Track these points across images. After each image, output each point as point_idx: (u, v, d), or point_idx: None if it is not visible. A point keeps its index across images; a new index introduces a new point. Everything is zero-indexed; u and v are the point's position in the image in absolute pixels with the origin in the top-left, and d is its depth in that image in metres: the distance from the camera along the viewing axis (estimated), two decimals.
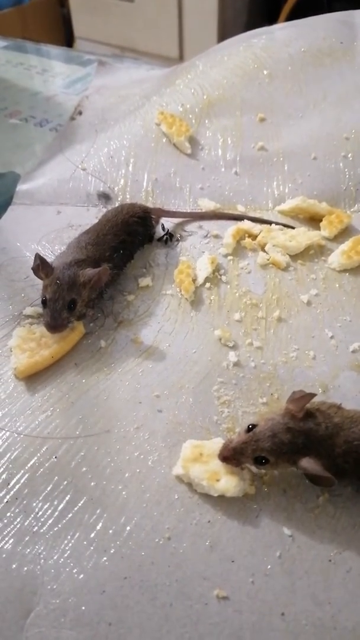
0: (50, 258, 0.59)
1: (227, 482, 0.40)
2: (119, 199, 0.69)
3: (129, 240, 0.59)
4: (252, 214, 0.67)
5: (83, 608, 0.35)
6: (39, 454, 0.43)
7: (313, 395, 0.39)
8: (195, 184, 0.70)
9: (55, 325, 0.50)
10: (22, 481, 0.41)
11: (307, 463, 0.38)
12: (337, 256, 0.60)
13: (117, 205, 0.66)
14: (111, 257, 0.56)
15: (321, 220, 0.65)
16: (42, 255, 0.51)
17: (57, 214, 0.68)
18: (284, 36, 0.81)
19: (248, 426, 0.40)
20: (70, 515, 0.39)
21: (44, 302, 0.50)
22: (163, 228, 0.65)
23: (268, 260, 0.60)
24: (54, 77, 1.02)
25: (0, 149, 0.81)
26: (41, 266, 0.51)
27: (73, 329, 0.51)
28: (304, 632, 0.34)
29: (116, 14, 1.96)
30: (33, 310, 0.54)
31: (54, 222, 0.66)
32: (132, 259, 0.61)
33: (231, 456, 0.40)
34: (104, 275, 0.52)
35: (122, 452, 0.43)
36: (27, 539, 0.38)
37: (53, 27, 2.17)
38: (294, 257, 0.61)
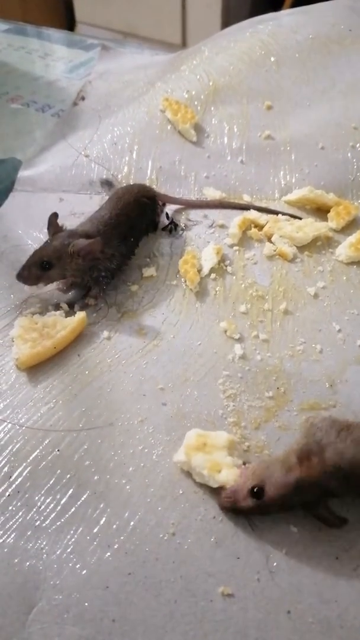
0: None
1: (228, 475, 0.39)
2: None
3: (137, 224, 0.59)
4: (258, 204, 0.66)
5: (86, 604, 0.35)
6: (41, 447, 0.42)
7: (324, 456, 0.37)
8: (201, 172, 0.69)
9: (19, 274, 0.52)
10: (24, 474, 0.41)
11: (321, 515, 0.37)
12: (345, 248, 0.59)
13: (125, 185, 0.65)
14: (119, 244, 0.55)
15: (328, 211, 0.64)
16: (57, 215, 0.55)
17: (60, 201, 0.67)
18: (291, 22, 0.79)
19: (253, 489, 0.37)
20: (73, 510, 0.39)
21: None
22: (167, 217, 0.64)
23: (274, 251, 0.60)
24: (56, 62, 1.00)
25: (1, 134, 0.80)
26: (48, 224, 0.54)
27: (76, 319, 0.51)
28: (310, 630, 0.34)
29: None
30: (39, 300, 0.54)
31: (56, 210, 0.64)
32: (138, 246, 0.60)
33: (231, 512, 0.38)
34: (95, 247, 0.52)
35: (126, 446, 0.43)
36: (29, 533, 0.38)
37: (54, 11, 2.14)
38: (301, 248, 0.60)
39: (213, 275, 0.57)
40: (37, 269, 0.51)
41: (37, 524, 0.38)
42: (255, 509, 0.37)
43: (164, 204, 0.65)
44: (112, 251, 0.54)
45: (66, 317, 0.52)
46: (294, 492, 0.36)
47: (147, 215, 0.61)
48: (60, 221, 0.55)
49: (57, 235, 0.53)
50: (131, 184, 0.65)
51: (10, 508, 0.39)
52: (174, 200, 0.65)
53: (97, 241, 0.52)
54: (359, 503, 0.39)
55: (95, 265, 0.53)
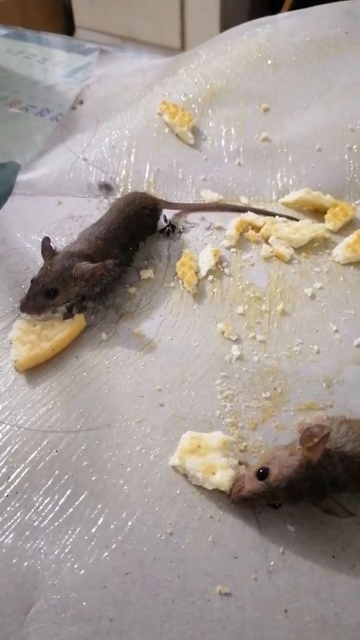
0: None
1: (223, 476, 0.39)
2: (121, 189, 0.68)
3: (138, 234, 0.59)
4: (255, 206, 0.66)
5: (84, 604, 0.35)
6: (39, 448, 0.43)
7: (328, 435, 0.36)
8: (198, 175, 0.69)
9: (24, 305, 0.50)
10: (22, 475, 0.41)
11: (328, 505, 0.37)
12: (342, 249, 0.59)
13: (126, 194, 0.64)
14: (119, 254, 0.55)
15: (325, 213, 0.64)
16: (49, 239, 0.53)
17: (58, 204, 0.67)
18: (288, 26, 0.80)
19: (259, 470, 0.37)
20: (71, 510, 0.39)
21: (31, 281, 0.51)
22: (165, 220, 0.64)
23: (272, 252, 0.60)
24: (55, 66, 1.00)
25: (0, 138, 0.80)
26: (42, 249, 0.53)
27: (74, 321, 0.51)
28: (307, 629, 0.34)
29: (117, 2, 1.94)
30: None
31: (54, 213, 0.65)
32: (135, 254, 0.60)
33: (243, 504, 0.38)
34: (98, 271, 0.51)
35: (124, 447, 0.43)
36: (27, 533, 0.38)
37: (53, 16, 2.15)
38: (298, 249, 0.61)
39: (210, 277, 0.57)
40: (42, 297, 0.50)
41: (35, 524, 0.38)
42: (262, 492, 0.37)
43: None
44: (112, 262, 0.54)
45: (64, 319, 0.52)
46: (299, 475, 0.36)
47: (149, 225, 0.61)
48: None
49: (54, 259, 0.52)
50: (132, 193, 0.64)
51: (8, 509, 0.39)
52: (173, 206, 0.66)
53: (100, 266, 0.51)
54: (355, 501, 0.39)
55: (98, 280, 0.52)
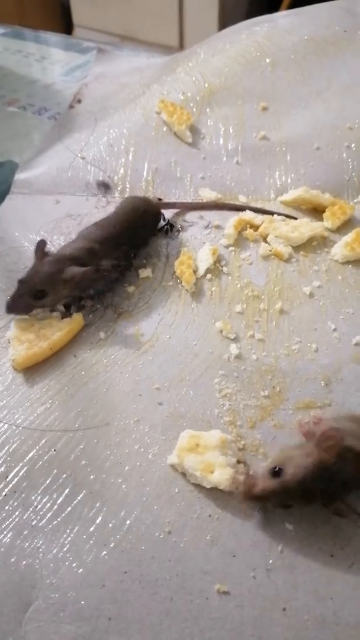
0: (48, 247, 0.59)
1: (221, 475, 0.39)
2: (119, 188, 0.68)
3: (140, 241, 0.59)
4: (253, 205, 0.66)
5: (82, 602, 0.35)
6: (37, 447, 0.42)
7: (343, 438, 0.36)
8: (196, 173, 0.69)
9: (9, 306, 0.50)
10: (20, 474, 0.41)
11: (339, 508, 0.37)
12: (340, 248, 0.59)
13: (130, 198, 0.64)
14: (120, 257, 0.55)
15: (324, 211, 0.64)
16: (45, 242, 0.53)
17: (56, 203, 0.67)
18: (287, 24, 0.80)
19: (273, 469, 0.37)
20: (69, 509, 0.39)
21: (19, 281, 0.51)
22: (163, 219, 0.64)
23: (270, 251, 0.60)
24: (53, 65, 1.00)
25: None
26: (36, 249, 0.52)
27: (72, 320, 0.51)
28: (306, 627, 0.34)
29: (115, 1, 1.94)
30: None
31: (52, 212, 0.65)
32: (137, 254, 0.60)
33: (254, 501, 0.38)
34: (88, 275, 0.51)
35: (122, 445, 0.43)
36: (25, 532, 0.38)
37: (51, 15, 2.15)
38: (297, 248, 0.60)
39: (209, 276, 0.57)
40: (29, 298, 0.50)
41: (33, 523, 0.38)
42: (275, 490, 0.36)
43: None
44: (110, 263, 0.54)
45: (62, 318, 0.52)
46: (313, 475, 0.36)
47: (150, 231, 0.61)
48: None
49: (44, 261, 0.51)
50: (135, 198, 0.63)
51: (6, 508, 0.39)
52: (172, 206, 0.65)
53: (91, 270, 0.51)
54: (354, 500, 0.39)
55: (95, 279, 0.52)
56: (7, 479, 0.41)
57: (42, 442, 0.43)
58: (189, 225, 0.64)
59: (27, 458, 0.42)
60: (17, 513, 0.39)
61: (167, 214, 0.65)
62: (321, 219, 0.64)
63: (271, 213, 0.64)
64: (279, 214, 0.64)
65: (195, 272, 0.57)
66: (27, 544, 0.37)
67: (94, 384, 0.47)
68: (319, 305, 0.54)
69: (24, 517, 0.39)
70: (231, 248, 0.61)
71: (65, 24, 2.18)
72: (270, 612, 0.35)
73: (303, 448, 0.38)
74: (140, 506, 0.39)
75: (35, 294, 0.50)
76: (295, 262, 0.59)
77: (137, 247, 0.59)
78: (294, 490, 0.36)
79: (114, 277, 0.55)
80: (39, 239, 0.59)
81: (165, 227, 0.63)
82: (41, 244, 0.53)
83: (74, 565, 0.36)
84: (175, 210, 0.66)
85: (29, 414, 0.45)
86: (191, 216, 0.65)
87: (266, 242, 0.61)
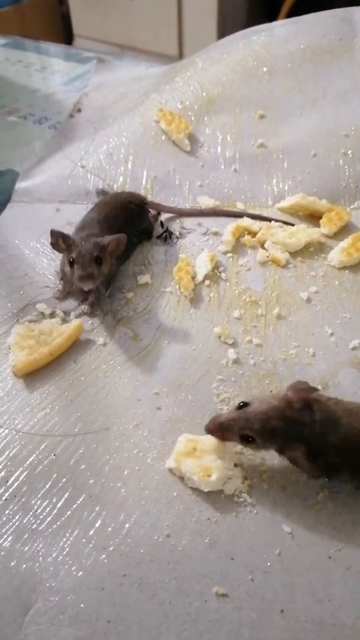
0: (49, 256, 0.59)
1: (218, 478, 0.40)
2: None
3: (127, 229, 0.59)
4: (251, 211, 0.67)
5: (82, 605, 0.35)
6: (37, 452, 0.43)
7: (315, 390, 0.39)
8: (195, 181, 0.70)
9: (87, 274, 0.51)
10: (20, 479, 0.41)
11: (296, 456, 0.38)
12: (337, 253, 0.59)
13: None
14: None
15: (321, 218, 0.64)
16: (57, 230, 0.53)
17: (56, 211, 0.67)
18: (283, 33, 0.81)
19: (239, 404, 0.39)
20: (69, 513, 0.39)
21: (71, 263, 0.52)
22: (162, 225, 0.65)
23: (267, 257, 0.60)
24: (53, 75, 1.01)
25: None
26: (61, 239, 0.53)
27: (72, 326, 0.51)
28: (304, 629, 0.34)
29: (115, 11, 1.96)
30: (44, 307, 0.55)
31: (53, 220, 0.66)
32: (130, 254, 0.61)
33: (217, 430, 0.40)
34: (122, 241, 0.53)
35: (121, 450, 0.43)
36: (25, 536, 0.38)
37: (52, 25, 2.17)
38: (294, 254, 0.61)
39: (207, 282, 0.58)
40: (94, 266, 0.51)
41: (33, 527, 0.39)
42: (238, 419, 0.38)
43: (158, 213, 0.66)
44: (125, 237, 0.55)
45: (62, 324, 0.52)
46: (276, 412, 0.38)
47: (136, 222, 0.62)
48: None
49: (76, 239, 0.53)
50: (120, 191, 0.66)
51: (7, 512, 0.39)
52: (169, 209, 0.66)
53: (123, 236, 0.53)
54: (351, 503, 0.40)
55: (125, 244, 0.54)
56: (8, 484, 0.41)
57: (42, 447, 0.43)
58: (187, 232, 0.65)
59: (27, 463, 0.42)
60: (17, 517, 0.39)
61: (166, 221, 0.65)
62: (318, 225, 0.64)
63: (269, 220, 0.65)
64: (277, 221, 0.65)
65: (193, 278, 0.58)
66: (27, 547, 0.38)
67: (93, 389, 0.48)
68: (316, 310, 0.55)
69: (24, 521, 0.39)
70: (229, 254, 0.61)
71: (65, 34, 2.20)
72: (268, 614, 0.35)
73: (275, 396, 0.40)
74: (139, 510, 0.39)
75: (97, 260, 0.52)
76: (292, 268, 0.60)
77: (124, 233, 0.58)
78: (256, 422, 0.38)
79: (114, 269, 0.56)
80: (39, 247, 0.60)
81: (164, 234, 0.64)
82: (56, 234, 0.53)
83: (73, 568, 0.37)
84: (174, 218, 0.66)
85: (29, 419, 0.45)
86: (189, 223, 0.66)
87: (264, 248, 0.62)
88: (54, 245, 0.53)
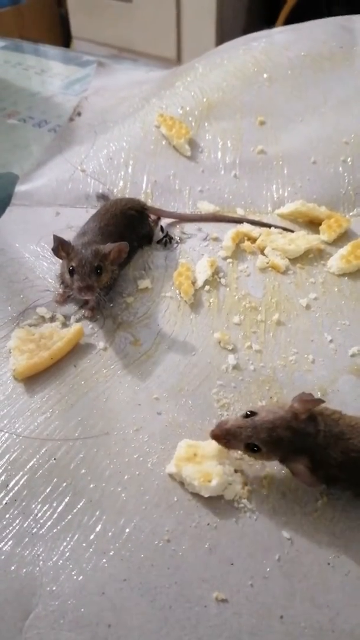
0: (49, 259, 0.60)
1: (218, 484, 0.40)
2: None
3: (127, 235, 0.59)
4: (251, 217, 0.67)
5: (82, 610, 0.35)
6: (38, 456, 0.43)
7: (321, 401, 0.39)
8: (195, 186, 0.70)
9: (86, 285, 0.51)
10: (21, 483, 0.41)
11: (298, 467, 0.38)
12: (336, 260, 0.60)
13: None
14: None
15: (320, 224, 0.65)
16: (60, 237, 0.53)
17: (56, 215, 0.68)
18: (283, 40, 0.81)
19: (246, 412, 0.40)
20: (69, 517, 0.39)
21: (71, 271, 0.52)
22: (162, 230, 0.65)
23: (267, 263, 0.61)
24: (53, 78, 1.02)
25: None
26: (61, 245, 0.53)
27: (72, 330, 0.51)
28: (303, 635, 0.35)
29: (114, 14, 1.96)
30: (44, 310, 0.55)
31: (52, 224, 0.66)
32: (131, 259, 0.61)
33: (223, 436, 0.40)
34: (123, 249, 0.53)
35: (122, 454, 0.43)
36: (26, 540, 0.38)
37: (50, 27, 2.17)
38: (293, 260, 0.61)
39: (207, 287, 0.58)
40: (94, 276, 0.51)
41: (34, 531, 0.39)
42: (245, 426, 0.39)
43: (158, 218, 0.66)
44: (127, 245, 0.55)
45: (62, 328, 0.53)
46: (282, 422, 0.38)
47: (136, 227, 0.62)
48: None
49: (76, 247, 0.53)
50: (120, 197, 0.66)
51: (7, 516, 0.39)
52: (168, 214, 0.67)
53: (124, 244, 0.53)
54: (350, 509, 0.40)
55: (126, 252, 0.54)
56: (8, 488, 0.41)
57: (43, 451, 0.43)
58: (187, 237, 0.65)
59: (28, 467, 0.42)
60: (17, 521, 0.39)
61: (166, 226, 0.66)
62: (317, 232, 0.65)
63: (268, 226, 0.65)
64: (276, 227, 0.65)
65: (193, 283, 0.58)
66: (27, 551, 0.38)
67: (93, 393, 0.48)
68: (315, 316, 0.55)
69: (25, 525, 0.39)
70: (229, 260, 0.61)
71: (63, 36, 2.20)
72: (268, 620, 0.35)
73: (280, 406, 0.40)
74: (140, 515, 0.40)
75: (96, 271, 0.51)
76: (292, 274, 0.60)
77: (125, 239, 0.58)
78: (263, 430, 0.38)
79: (115, 274, 0.56)
80: (39, 250, 0.60)
81: (164, 239, 0.64)
82: (57, 240, 0.53)
83: (73, 572, 0.37)
84: (174, 223, 0.66)
85: (30, 423, 0.45)
86: (189, 228, 0.66)
87: (263, 254, 0.62)
88: (55, 251, 0.53)
